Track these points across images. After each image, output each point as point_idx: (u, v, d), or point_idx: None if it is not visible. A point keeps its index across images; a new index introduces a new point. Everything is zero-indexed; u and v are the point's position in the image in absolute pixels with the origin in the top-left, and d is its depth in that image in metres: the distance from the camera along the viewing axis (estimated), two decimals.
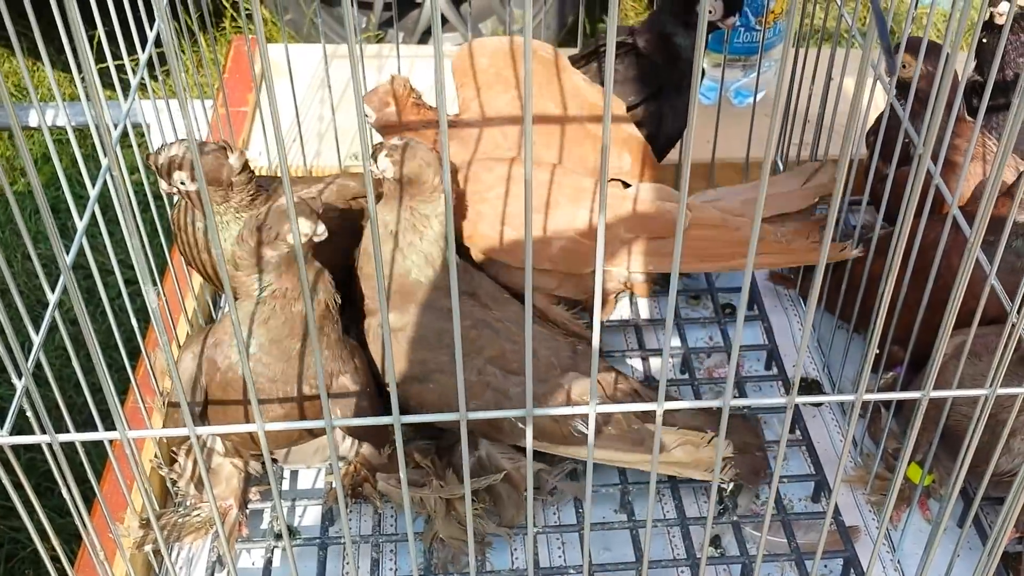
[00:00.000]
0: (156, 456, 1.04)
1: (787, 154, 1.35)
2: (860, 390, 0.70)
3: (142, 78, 1.01)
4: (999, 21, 1.14)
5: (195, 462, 1.04)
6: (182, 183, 0.98)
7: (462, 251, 1.09)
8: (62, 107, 0.83)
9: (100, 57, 1.35)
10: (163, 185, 1.00)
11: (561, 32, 2.96)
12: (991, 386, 0.71)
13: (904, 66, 1.09)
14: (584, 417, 0.95)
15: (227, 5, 3.04)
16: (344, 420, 0.76)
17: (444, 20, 2.93)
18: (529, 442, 0.69)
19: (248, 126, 1.50)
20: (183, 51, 1.31)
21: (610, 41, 0.51)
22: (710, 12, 1.17)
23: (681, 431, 1.00)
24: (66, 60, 0.85)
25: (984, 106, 0.86)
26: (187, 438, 0.94)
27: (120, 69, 1.02)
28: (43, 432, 0.71)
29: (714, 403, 0.69)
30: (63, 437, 0.70)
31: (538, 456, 1.00)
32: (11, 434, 0.71)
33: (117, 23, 0.97)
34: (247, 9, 2.45)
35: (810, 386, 1.17)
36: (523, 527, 1.00)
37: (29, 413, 0.70)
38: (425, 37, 2.96)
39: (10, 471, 0.72)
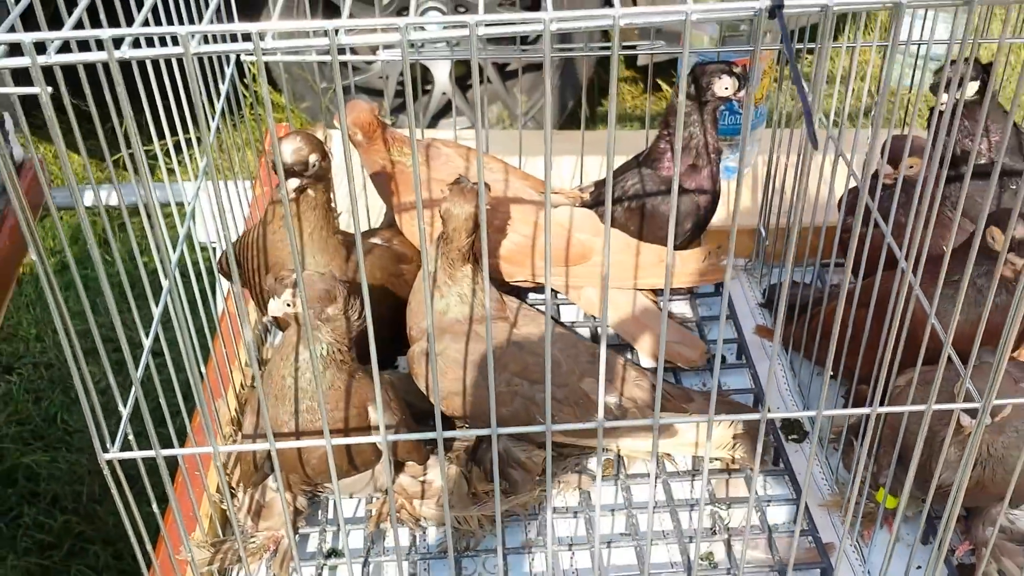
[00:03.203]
0: (218, 490, 1.19)
1: (768, 221, 1.52)
2: (820, 406, 0.85)
3: (184, 161, 1.18)
4: (941, 109, 1.31)
5: (251, 497, 1.19)
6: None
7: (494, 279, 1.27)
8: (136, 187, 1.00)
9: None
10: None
11: (562, 116, 3.17)
12: (928, 403, 0.86)
13: (911, 166, 1.25)
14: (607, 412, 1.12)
15: (246, 94, 3.26)
16: (396, 436, 0.90)
17: (451, 105, 3.14)
18: (548, 454, 0.84)
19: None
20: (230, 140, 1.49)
21: (611, 119, 0.68)
22: (725, 88, 1.31)
23: (692, 415, 1.17)
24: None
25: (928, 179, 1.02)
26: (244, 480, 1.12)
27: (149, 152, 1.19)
28: (143, 448, 0.86)
29: (702, 418, 0.85)
30: (166, 452, 0.86)
31: (557, 447, 1.20)
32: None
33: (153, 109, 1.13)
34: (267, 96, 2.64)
35: (791, 425, 1.32)
36: (534, 510, 1.19)
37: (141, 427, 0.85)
38: (435, 121, 3.16)
39: (118, 483, 0.87)
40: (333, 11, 2.97)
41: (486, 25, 0.67)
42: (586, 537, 1.17)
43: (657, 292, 1.37)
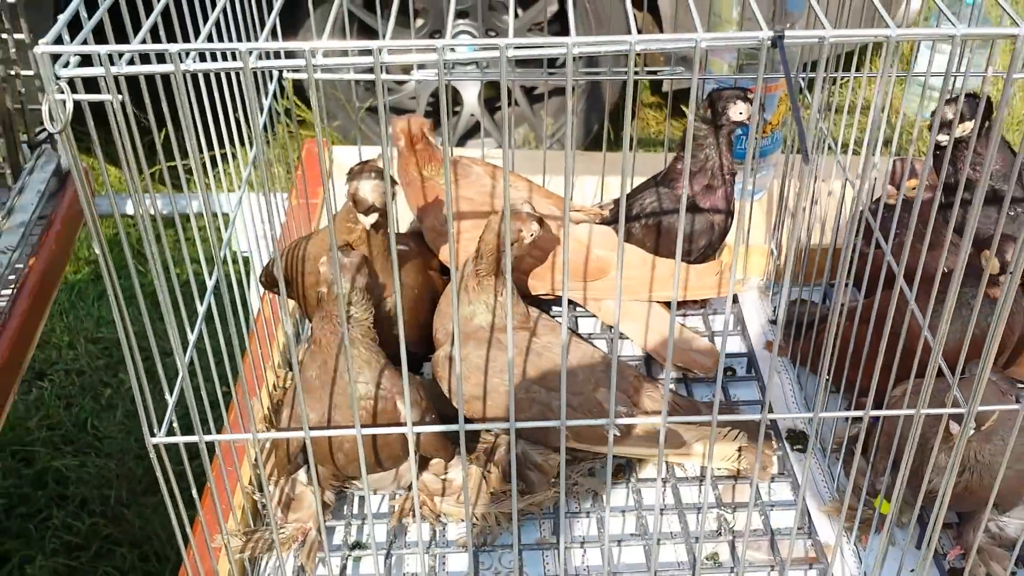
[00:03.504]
0: (251, 482, 1.26)
1: (780, 240, 1.58)
2: (817, 409, 0.91)
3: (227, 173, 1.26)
4: (943, 143, 1.37)
5: (282, 490, 1.26)
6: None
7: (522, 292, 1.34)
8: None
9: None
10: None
11: (587, 138, 3.25)
12: (917, 408, 0.92)
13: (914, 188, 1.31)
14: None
15: (279, 111, 3.36)
16: (421, 427, 0.97)
17: (479, 126, 3.23)
18: (563, 452, 0.90)
19: (319, 213, 1.76)
20: (271, 153, 1.57)
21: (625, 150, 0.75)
22: (739, 113, 1.37)
23: (700, 428, 1.23)
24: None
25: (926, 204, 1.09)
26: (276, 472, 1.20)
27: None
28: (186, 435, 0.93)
29: (705, 418, 0.91)
30: (208, 437, 0.93)
31: (571, 452, 1.25)
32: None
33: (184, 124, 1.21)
34: (299, 116, 2.73)
35: (797, 436, 1.38)
36: (550, 511, 1.25)
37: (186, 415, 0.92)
38: (463, 141, 3.25)
39: (163, 466, 0.94)
40: (368, 33, 3.06)
41: (515, 48, 0.74)
42: (597, 536, 1.23)
43: (678, 304, 1.44)
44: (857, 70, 1.47)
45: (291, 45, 0.74)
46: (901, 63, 2.74)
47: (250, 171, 1.27)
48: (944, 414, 0.96)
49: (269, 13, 1.20)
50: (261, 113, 1.35)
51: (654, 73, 1.62)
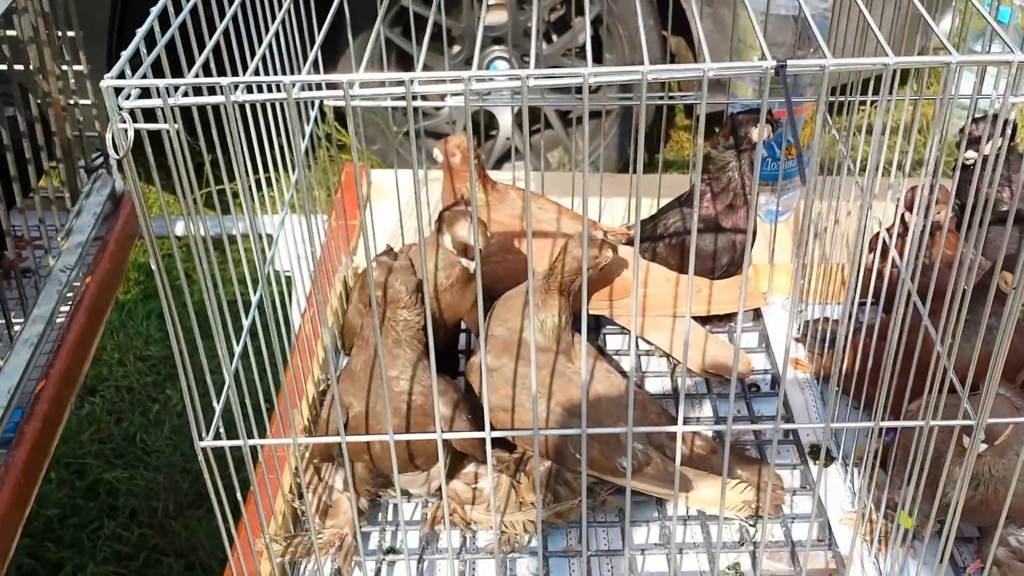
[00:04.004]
0: (291, 490, 1.32)
1: (802, 259, 1.62)
2: (828, 419, 0.96)
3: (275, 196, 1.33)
4: (968, 163, 1.41)
5: (319, 498, 1.32)
6: None
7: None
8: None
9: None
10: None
11: (620, 162, 3.30)
12: (927, 419, 0.96)
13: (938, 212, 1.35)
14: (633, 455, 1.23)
15: (320, 137, 3.46)
16: (450, 433, 1.02)
17: (516, 150, 3.30)
18: (584, 456, 0.95)
19: (357, 235, 1.83)
20: (312, 177, 1.64)
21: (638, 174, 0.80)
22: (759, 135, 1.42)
23: (712, 475, 1.25)
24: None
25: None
26: (314, 480, 1.26)
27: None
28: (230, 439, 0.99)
29: (720, 427, 0.95)
30: (252, 441, 0.99)
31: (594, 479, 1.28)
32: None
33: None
34: (340, 140, 2.81)
35: (819, 450, 1.41)
36: (576, 522, 1.27)
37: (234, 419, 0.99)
38: (499, 164, 3.32)
39: (210, 468, 1.00)
40: (407, 60, 3.15)
41: (535, 78, 0.80)
42: (621, 546, 1.27)
43: (703, 320, 1.49)
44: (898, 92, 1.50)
45: (332, 77, 0.80)
46: (936, 84, 2.76)
47: (292, 194, 1.34)
48: (955, 426, 1.00)
49: (311, 44, 1.28)
50: (303, 139, 1.42)
51: (671, 98, 1.67)
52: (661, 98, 1.59)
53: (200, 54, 0.90)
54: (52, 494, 2.50)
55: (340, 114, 3.39)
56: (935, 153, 0.95)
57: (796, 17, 1.50)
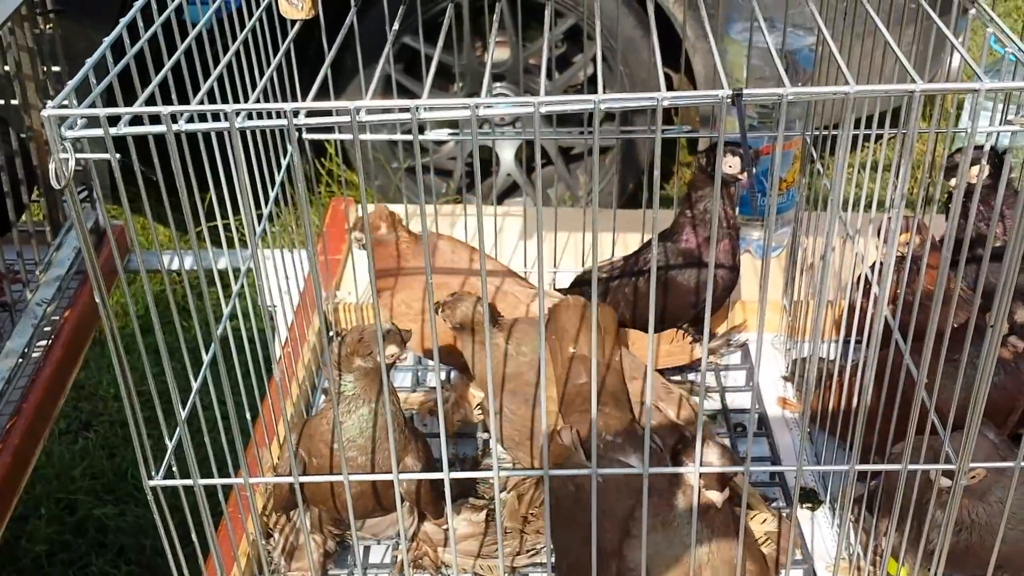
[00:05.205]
0: (253, 531, 1.28)
1: (792, 296, 1.58)
2: (799, 464, 0.92)
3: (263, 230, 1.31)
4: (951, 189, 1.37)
5: (286, 538, 1.28)
6: None
7: None
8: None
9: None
10: None
11: (622, 198, 3.28)
12: (904, 462, 0.92)
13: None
14: None
15: (323, 173, 3.46)
16: (407, 475, 0.99)
17: (516, 185, 3.29)
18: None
19: (340, 270, 1.80)
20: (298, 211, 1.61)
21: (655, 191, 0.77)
22: (729, 167, 1.38)
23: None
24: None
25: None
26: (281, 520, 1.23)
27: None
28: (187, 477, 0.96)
29: (738, 468, 0.91)
30: (204, 481, 0.96)
31: None
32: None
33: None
34: (339, 175, 2.80)
35: (808, 494, 1.37)
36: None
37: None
38: (500, 199, 3.30)
39: (160, 509, 0.97)
40: (409, 95, 3.15)
41: (546, 105, 0.77)
42: None
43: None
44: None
45: (335, 104, 0.78)
46: (944, 120, 2.74)
47: (264, 227, 1.32)
48: (934, 470, 0.96)
49: (286, 75, 1.26)
50: (279, 171, 1.40)
51: (662, 132, 1.65)
52: (665, 131, 1.56)
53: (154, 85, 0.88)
54: (42, 530, 2.48)
55: (344, 151, 3.39)
56: (901, 187, 0.91)
57: (780, 51, 1.48)
